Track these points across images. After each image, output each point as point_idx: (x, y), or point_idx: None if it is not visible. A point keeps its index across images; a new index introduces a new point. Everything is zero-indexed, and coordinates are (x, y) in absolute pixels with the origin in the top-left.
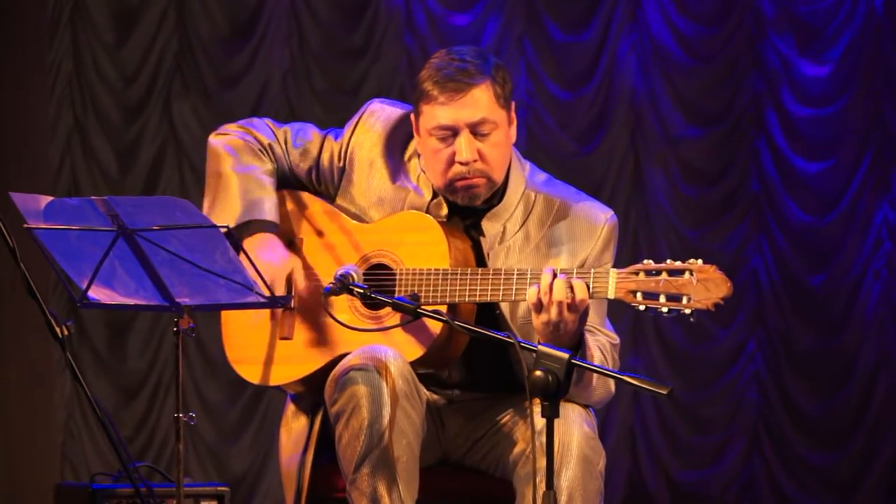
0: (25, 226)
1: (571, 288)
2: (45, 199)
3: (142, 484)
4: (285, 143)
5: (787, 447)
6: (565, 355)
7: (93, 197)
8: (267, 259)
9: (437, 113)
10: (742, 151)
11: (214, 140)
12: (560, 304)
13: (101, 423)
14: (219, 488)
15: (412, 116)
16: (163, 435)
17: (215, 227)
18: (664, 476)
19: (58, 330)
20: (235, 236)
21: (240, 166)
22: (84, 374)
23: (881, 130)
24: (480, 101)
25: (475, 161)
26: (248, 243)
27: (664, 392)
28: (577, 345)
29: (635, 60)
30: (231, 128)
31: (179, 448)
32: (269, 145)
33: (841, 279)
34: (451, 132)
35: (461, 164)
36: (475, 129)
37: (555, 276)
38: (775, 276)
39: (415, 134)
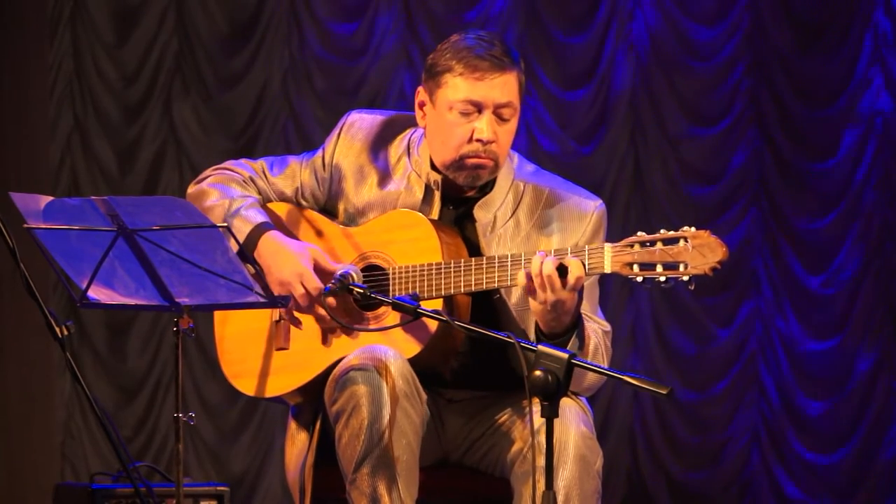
0: (25, 226)
1: (566, 267)
2: (45, 199)
3: (141, 484)
4: (264, 173)
5: (787, 447)
6: (565, 355)
7: (93, 197)
8: (282, 261)
9: (467, 86)
10: (742, 151)
11: (193, 187)
12: (552, 281)
13: (101, 423)
14: (218, 488)
15: (421, 90)
16: (162, 435)
17: (215, 226)
18: (664, 476)
19: (57, 330)
20: (248, 254)
21: (220, 198)
22: (84, 374)
23: (881, 130)
24: (509, 86)
25: (493, 142)
26: (260, 256)
27: (664, 392)
28: (574, 325)
29: (635, 60)
30: (207, 172)
31: (179, 448)
32: (251, 178)
33: (841, 279)
34: (477, 108)
35: (480, 141)
36: (498, 112)
37: (546, 256)
38: (775, 276)
39: (418, 110)
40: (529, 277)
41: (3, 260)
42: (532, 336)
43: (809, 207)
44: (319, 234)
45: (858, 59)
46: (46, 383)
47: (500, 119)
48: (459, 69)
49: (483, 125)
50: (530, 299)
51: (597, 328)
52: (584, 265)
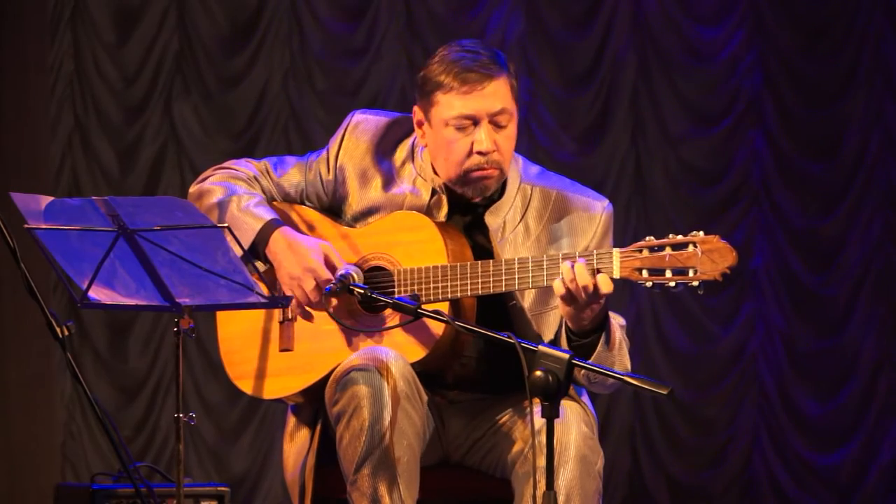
0: (26, 226)
1: (595, 279)
2: (46, 200)
3: (142, 484)
4: (268, 172)
5: (788, 447)
6: (565, 356)
7: (93, 197)
8: (294, 256)
9: (459, 102)
10: (742, 151)
11: (196, 186)
12: (588, 289)
13: (102, 424)
14: (219, 488)
15: (417, 109)
16: (163, 435)
17: (216, 227)
18: (664, 476)
19: (58, 330)
20: (252, 260)
21: (226, 195)
22: (84, 375)
23: (881, 130)
24: (500, 92)
25: (493, 151)
26: (272, 252)
27: (664, 392)
28: (603, 322)
29: (636, 60)
30: (209, 171)
31: (180, 448)
32: (254, 177)
33: (841, 279)
34: (472, 122)
35: (480, 153)
36: (494, 120)
37: (576, 260)
38: (776, 277)
39: (417, 129)
40: (564, 284)
41: (3, 260)
42: (549, 339)
43: (809, 207)
44: (323, 234)
45: (859, 58)
46: (47, 383)
47: (498, 126)
48: (448, 85)
49: (481, 137)
50: (561, 303)
51: (615, 324)
52: (611, 280)
